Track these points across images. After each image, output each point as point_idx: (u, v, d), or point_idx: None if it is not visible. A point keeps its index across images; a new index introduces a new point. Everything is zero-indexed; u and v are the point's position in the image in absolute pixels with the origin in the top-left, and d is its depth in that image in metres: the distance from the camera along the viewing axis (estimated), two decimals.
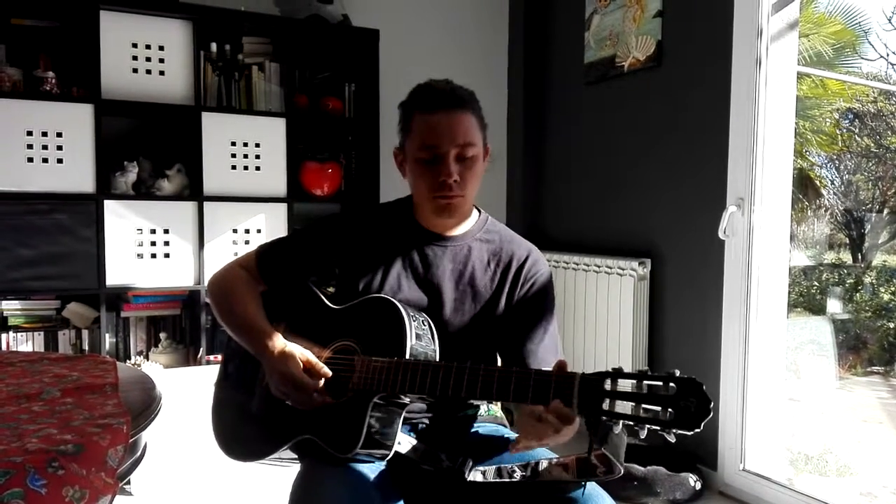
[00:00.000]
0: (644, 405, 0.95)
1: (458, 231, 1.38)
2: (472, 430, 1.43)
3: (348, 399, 1.20)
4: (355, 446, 1.16)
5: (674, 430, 0.93)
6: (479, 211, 1.43)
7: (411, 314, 1.24)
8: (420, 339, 1.22)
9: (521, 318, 1.35)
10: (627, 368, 0.99)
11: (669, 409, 0.93)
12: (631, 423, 0.95)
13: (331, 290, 1.41)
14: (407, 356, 1.19)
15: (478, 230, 1.40)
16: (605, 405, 0.98)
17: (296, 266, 1.40)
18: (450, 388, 1.12)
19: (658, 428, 0.93)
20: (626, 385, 0.97)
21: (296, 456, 1.35)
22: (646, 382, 0.96)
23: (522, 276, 1.37)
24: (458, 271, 1.36)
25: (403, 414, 1.23)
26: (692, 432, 0.92)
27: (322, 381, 1.22)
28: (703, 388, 0.93)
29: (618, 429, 0.97)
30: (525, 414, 1.07)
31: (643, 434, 0.95)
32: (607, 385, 0.98)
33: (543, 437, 1.06)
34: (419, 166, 1.29)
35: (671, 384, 0.94)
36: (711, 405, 0.91)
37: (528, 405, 1.05)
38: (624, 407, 0.96)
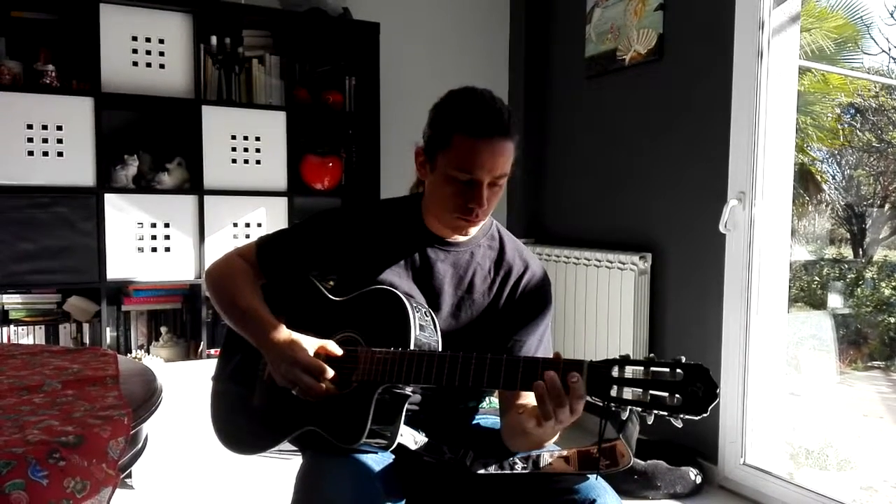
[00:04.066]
0: (651, 391, 0.97)
1: (463, 237, 1.37)
2: (474, 422, 1.43)
3: (352, 390, 1.20)
4: (360, 437, 1.17)
5: (681, 416, 0.94)
6: None
7: (414, 305, 1.24)
8: (423, 329, 1.22)
9: (516, 330, 1.34)
10: None
11: (677, 395, 0.95)
12: (639, 408, 0.96)
13: (331, 283, 1.41)
14: (411, 347, 1.19)
15: (482, 235, 1.38)
16: (614, 392, 0.99)
17: (296, 260, 1.39)
18: (456, 377, 1.12)
19: (666, 413, 0.95)
20: (633, 372, 0.98)
21: (296, 448, 1.36)
22: (653, 369, 0.97)
23: (520, 288, 1.36)
24: (458, 276, 1.35)
25: (406, 405, 1.23)
26: (699, 417, 0.94)
27: (331, 371, 1.21)
28: (710, 373, 0.94)
29: (625, 414, 0.98)
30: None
31: (651, 420, 0.97)
32: (615, 372, 1.00)
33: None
34: (450, 185, 1.25)
35: (678, 370, 0.96)
36: (718, 390, 0.93)
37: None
38: (632, 393, 0.97)
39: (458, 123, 1.23)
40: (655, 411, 0.95)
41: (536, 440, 1.18)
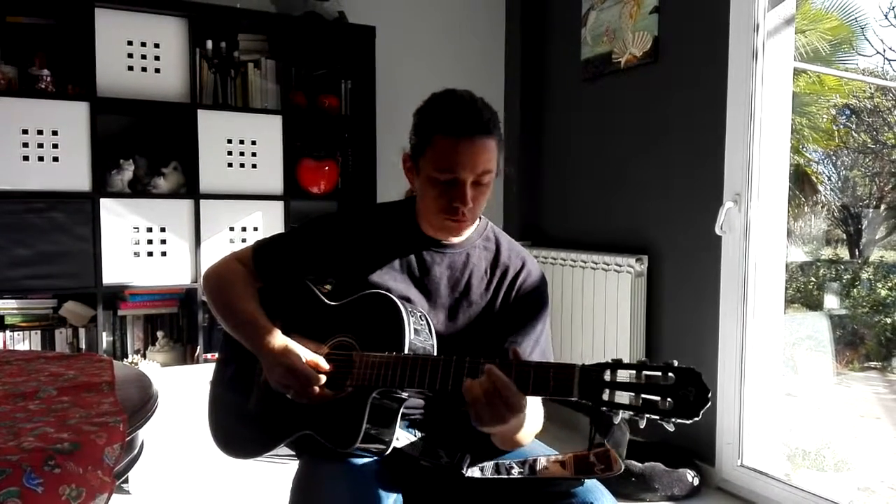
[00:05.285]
0: (644, 395, 0.96)
1: (458, 238, 1.37)
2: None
3: (347, 394, 1.21)
4: (355, 441, 1.17)
5: (673, 420, 0.94)
6: (480, 217, 1.42)
7: (409, 309, 1.24)
8: (419, 333, 1.22)
9: (512, 329, 1.34)
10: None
11: (669, 399, 0.94)
12: (631, 412, 0.96)
13: (327, 287, 1.41)
14: (406, 351, 1.19)
15: (477, 237, 1.39)
16: (605, 395, 0.99)
17: (292, 265, 1.40)
18: (450, 381, 1.12)
19: (658, 417, 0.95)
20: (625, 375, 0.98)
21: (293, 453, 1.35)
22: (645, 373, 0.97)
23: (516, 288, 1.36)
24: (454, 278, 1.35)
25: (402, 409, 1.23)
26: (691, 421, 0.93)
27: (323, 376, 1.21)
28: (702, 377, 0.94)
29: (617, 419, 0.98)
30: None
31: (643, 424, 0.96)
32: (607, 375, 1.00)
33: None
34: (433, 186, 1.26)
35: (670, 374, 0.95)
36: (710, 394, 0.93)
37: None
38: (623, 397, 0.97)
39: (438, 124, 1.24)
40: (647, 415, 0.95)
41: (509, 434, 1.18)
